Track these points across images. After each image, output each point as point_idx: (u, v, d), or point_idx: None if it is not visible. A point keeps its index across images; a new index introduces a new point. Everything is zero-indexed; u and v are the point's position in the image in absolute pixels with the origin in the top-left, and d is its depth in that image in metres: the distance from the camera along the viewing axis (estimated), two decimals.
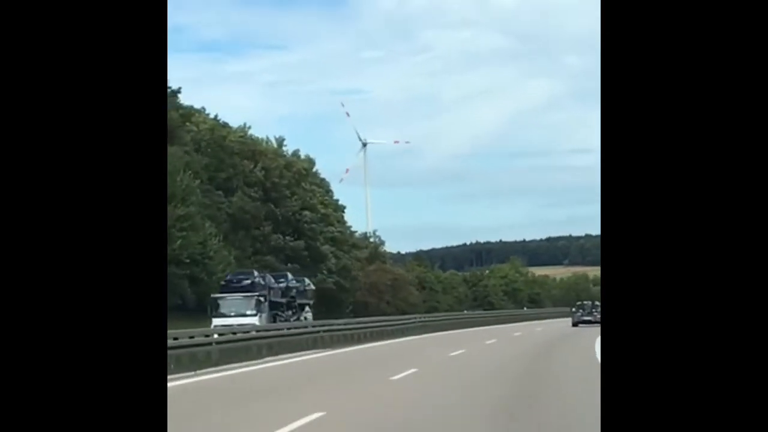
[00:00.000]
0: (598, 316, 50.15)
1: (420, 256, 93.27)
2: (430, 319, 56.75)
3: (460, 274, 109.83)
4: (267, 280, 43.02)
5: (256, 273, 43.61)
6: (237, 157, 64.36)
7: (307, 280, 51.11)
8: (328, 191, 72.50)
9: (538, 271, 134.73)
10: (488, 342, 35.39)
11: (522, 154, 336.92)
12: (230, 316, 36.86)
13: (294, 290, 46.73)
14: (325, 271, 67.58)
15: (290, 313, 44.70)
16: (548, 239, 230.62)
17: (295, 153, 70.53)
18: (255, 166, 64.55)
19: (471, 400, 14.26)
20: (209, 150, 62.88)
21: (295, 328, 35.86)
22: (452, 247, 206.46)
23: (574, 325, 55.92)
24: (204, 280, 52.03)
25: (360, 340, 37.70)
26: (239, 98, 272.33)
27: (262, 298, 39.75)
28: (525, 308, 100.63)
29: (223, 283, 43.43)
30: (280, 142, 69.92)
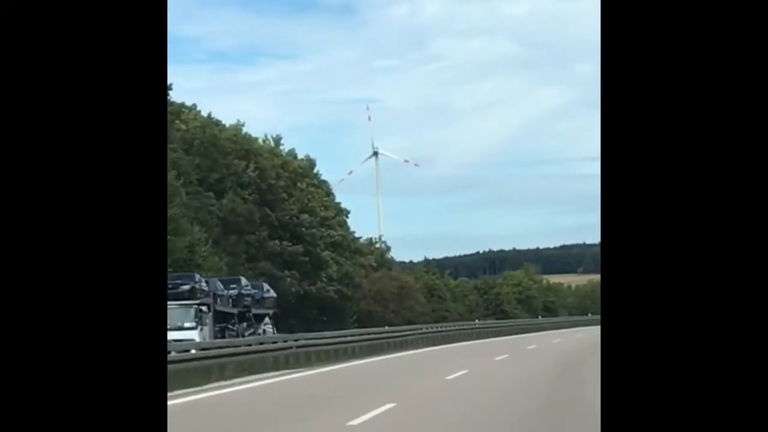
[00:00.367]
0: None
1: (429, 263, 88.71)
2: (434, 330, 51.64)
3: (471, 281, 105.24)
4: (212, 286, 36.07)
5: (197, 277, 35.87)
6: (230, 157, 60.07)
7: (266, 287, 43.98)
8: (329, 194, 67.91)
9: (552, 279, 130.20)
10: (498, 358, 30.61)
11: (534, 162, 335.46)
12: None
13: (248, 298, 39.26)
14: (324, 279, 63.13)
15: (244, 325, 37.93)
16: (562, 247, 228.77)
17: (291, 152, 65.93)
18: (248, 167, 60.28)
19: None
20: (202, 149, 58.59)
21: (257, 343, 28.32)
22: (465, 256, 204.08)
23: None
24: None
25: (344, 356, 32.08)
26: (251, 108, 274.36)
27: (204, 308, 32.77)
28: (540, 317, 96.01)
29: None
30: (277, 141, 65.41)
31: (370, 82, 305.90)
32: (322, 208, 64.15)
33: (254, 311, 39.79)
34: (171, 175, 49.10)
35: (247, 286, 40.42)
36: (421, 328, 49.67)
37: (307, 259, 61.97)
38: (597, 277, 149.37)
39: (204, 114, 61.83)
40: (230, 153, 60.27)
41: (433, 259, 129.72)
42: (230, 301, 37.71)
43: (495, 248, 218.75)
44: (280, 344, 28.46)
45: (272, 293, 44.19)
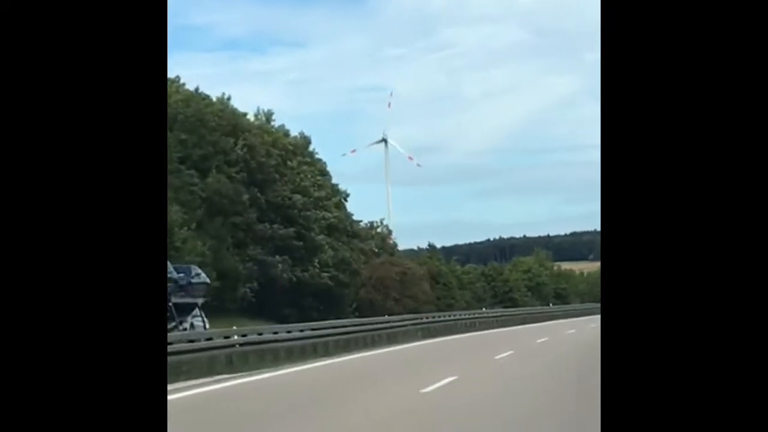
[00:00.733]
0: None
1: (433, 248, 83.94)
2: (430, 320, 46.09)
3: (479, 267, 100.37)
4: None
5: None
6: (217, 134, 55.50)
7: (195, 270, 36.50)
8: (325, 173, 62.95)
9: (563, 266, 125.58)
10: (499, 357, 24.73)
11: (545, 149, 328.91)
12: None
13: (170, 284, 31.19)
14: (317, 264, 58.43)
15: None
16: (573, 234, 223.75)
17: (281, 128, 61.03)
18: (236, 144, 55.70)
19: None
20: (186, 125, 54.03)
21: (186, 341, 21.70)
22: (476, 244, 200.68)
23: None
24: None
25: (309, 354, 26.45)
26: (262, 96, 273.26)
27: None
28: (550, 305, 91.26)
29: None
30: (269, 116, 60.56)
31: (380, 70, 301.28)
32: (316, 188, 59.36)
33: (176, 300, 32.71)
34: None
35: (170, 271, 32.49)
36: (417, 319, 44.38)
37: (300, 243, 57.38)
38: None
39: (189, 87, 57.25)
40: (216, 129, 55.75)
41: (443, 247, 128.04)
42: None
43: (505, 236, 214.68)
44: (208, 344, 22.07)
45: (204, 278, 37.15)
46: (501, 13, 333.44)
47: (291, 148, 59.07)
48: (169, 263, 32.69)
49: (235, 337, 24.28)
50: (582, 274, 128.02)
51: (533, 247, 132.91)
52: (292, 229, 57.03)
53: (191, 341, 21.70)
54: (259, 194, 55.96)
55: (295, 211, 57.42)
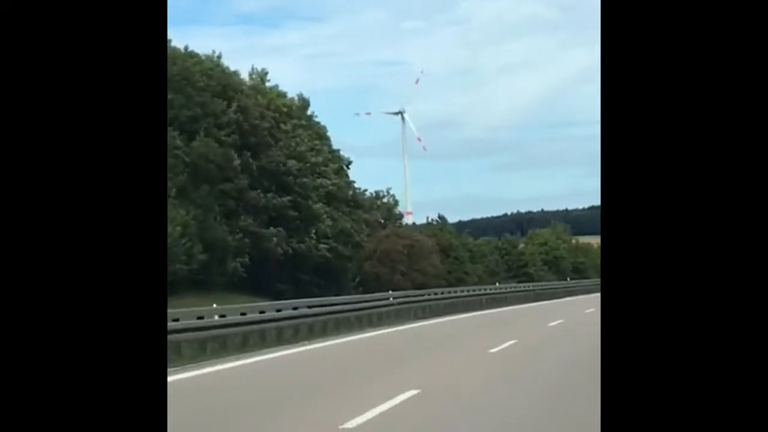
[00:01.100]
0: None
1: (443, 220, 79.34)
2: (430, 297, 40.68)
3: (493, 240, 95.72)
4: None
5: None
6: (206, 94, 51.07)
7: None
8: (323, 137, 58.23)
9: (581, 240, 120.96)
10: (497, 350, 19.68)
11: (563, 123, 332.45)
12: None
13: None
14: (314, 236, 53.99)
15: None
16: (591, 208, 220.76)
17: (275, 88, 56.23)
18: (229, 105, 51.27)
19: None
20: (172, 84, 49.55)
21: None
22: (493, 218, 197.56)
23: None
24: None
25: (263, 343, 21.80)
26: (279, 71, 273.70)
27: None
28: (568, 279, 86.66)
29: None
30: (263, 75, 55.86)
31: (397, 44, 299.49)
32: (314, 153, 54.80)
33: None
34: None
35: None
36: (410, 297, 39.38)
37: (296, 213, 52.98)
38: None
39: (177, 46, 52.78)
40: (205, 89, 51.35)
41: (459, 221, 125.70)
42: None
43: (523, 210, 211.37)
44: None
45: None
46: None
47: (285, 110, 54.46)
48: None
49: (216, 317, 20.91)
50: (600, 247, 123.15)
51: (551, 221, 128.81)
52: (287, 198, 52.60)
53: None
54: (251, 159, 51.60)
55: (291, 177, 52.98)
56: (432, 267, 68.62)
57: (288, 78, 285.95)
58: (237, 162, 50.39)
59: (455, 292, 45.36)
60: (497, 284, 65.33)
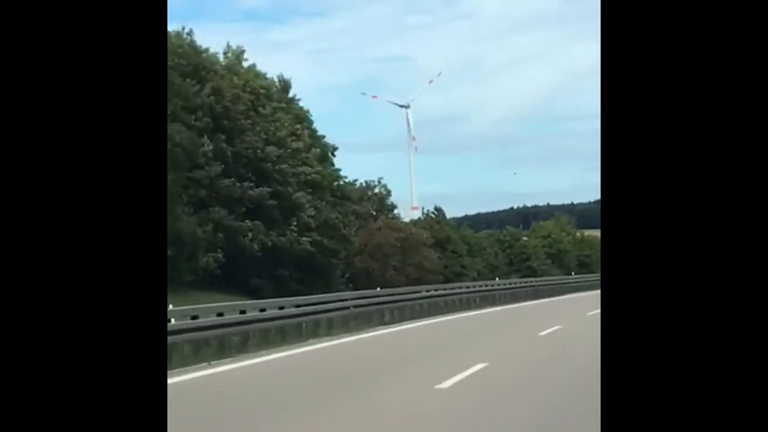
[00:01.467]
0: None
1: (440, 211, 74.65)
2: (404, 298, 34.48)
3: (494, 233, 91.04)
4: None
5: None
6: (175, 73, 46.55)
7: None
8: (305, 120, 53.48)
9: (587, 234, 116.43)
10: (447, 384, 13.68)
11: (569, 118, 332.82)
12: None
13: None
14: (295, 228, 49.46)
15: None
16: (597, 201, 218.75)
17: (252, 68, 51.41)
18: (203, 88, 46.80)
19: None
20: None
21: None
22: (498, 212, 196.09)
23: None
24: None
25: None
26: (284, 67, 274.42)
27: None
28: (573, 273, 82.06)
29: None
30: (239, 54, 51.23)
31: (402, 39, 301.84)
32: (294, 138, 50.21)
33: None
34: None
35: None
36: (391, 294, 34.61)
37: (274, 202, 48.48)
38: None
39: None
40: (174, 68, 46.85)
41: (465, 216, 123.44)
42: None
43: (529, 204, 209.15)
44: None
45: None
46: None
47: (263, 91, 49.91)
48: None
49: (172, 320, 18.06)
50: None
51: (555, 213, 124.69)
52: (266, 189, 48.08)
53: None
54: (224, 145, 47.10)
55: (269, 164, 48.44)
56: (427, 261, 64.18)
57: (292, 73, 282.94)
58: (209, 147, 45.93)
59: (436, 290, 39.92)
60: (497, 279, 60.89)
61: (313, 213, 50.02)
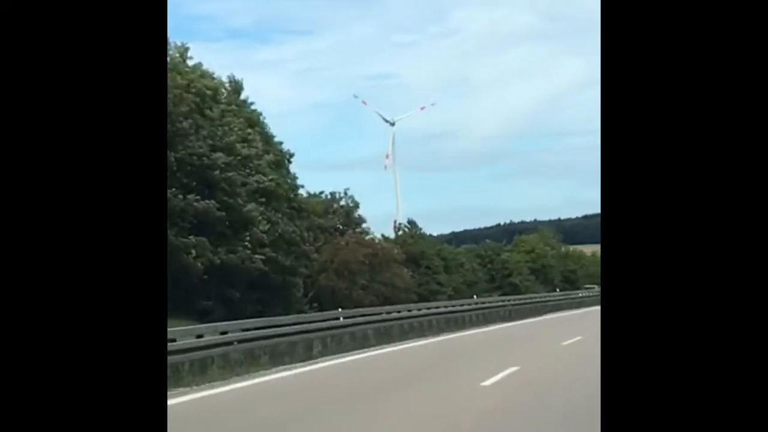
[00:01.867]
0: None
1: (413, 225, 69.40)
2: (342, 324, 27.93)
3: (474, 248, 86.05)
4: None
5: None
6: None
7: None
8: (256, 124, 48.43)
9: (572, 248, 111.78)
10: None
11: (557, 133, 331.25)
12: None
13: None
14: (247, 244, 44.44)
15: None
16: (585, 217, 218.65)
17: (198, 67, 46.22)
18: None
19: None
20: None
21: None
22: (485, 228, 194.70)
23: None
24: None
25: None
26: (270, 86, 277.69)
27: None
28: (557, 290, 77.06)
29: None
30: (182, 52, 46.19)
31: (390, 57, 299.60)
32: (245, 145, 45.18)
33: None
34: None
35: None
36: (331, 318, 28.42)
37: (222, 214, 43.49)
38: None
39: None
40: None
41: (452, 233, 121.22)
42: None
43: (516, 220, 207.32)
44: None
45: None
46: None
47: (210, 92, 44.91)
48: None
49: None
50: (593, 255, 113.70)
51: (540, 228, 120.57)
52: (213, 202, 43.09)
53: None
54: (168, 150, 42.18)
55: (216, 172, 43.49)
56: (399, 279, 59.25)
57: (279, 93, 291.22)
58: None
59: (388, 314, 33.59)
60: (475, 297, 55.95)
61: (266, 227, 45.03)
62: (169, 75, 43.59)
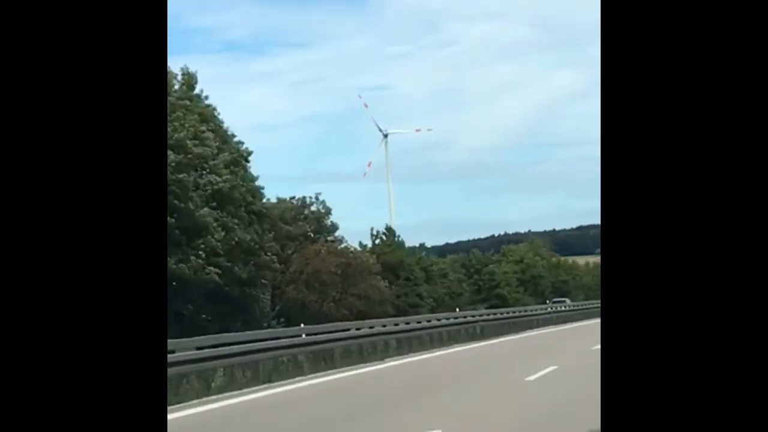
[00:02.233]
0: None
1: (391, 232, 64.83)
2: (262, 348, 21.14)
3: (460, 257, 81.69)
4: None
5: None
6: None
7: None
8: (211, 119, 43.81)
9: (564, 259, 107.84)
10: None
11: (551, 144, 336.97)
12: None
13: None
14: (201, 253, 40.05)
15: None
16: (579, 228, 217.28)
17: None
18: None
19: None
20: None
21: None
22: (479, 240, 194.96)
23: None
24: None
25: None
26: (265, 98, 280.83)
27: None
28: (548, 302, 72.53)
29: None
30: None
31: (384, 68, 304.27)
32: (196, 143, 40.78)
33: None
34: None
35: None
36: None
37: (173, 221, 39.14)
38: None
39: None
40: None
41: (446, 244, 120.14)
42: None
43: (510, 231, 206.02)
44: None
45: None
46: (505, 9, 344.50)
47: None
48: None
49: None
50: (587, 265, 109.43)
51: (533, 239, 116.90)
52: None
53: None
54: None
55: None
56: (374, 290, 54.98)
57: (275, 104, 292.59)
58: None
59: (332, 332, 26.10)
60: (457, 310, 51.58)
61: (221, 235, 40.68)
62: None
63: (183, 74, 43.93)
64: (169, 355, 16.96)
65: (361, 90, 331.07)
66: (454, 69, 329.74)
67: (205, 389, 17.95)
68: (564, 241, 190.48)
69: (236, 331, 28.54)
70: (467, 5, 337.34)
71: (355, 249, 59.31)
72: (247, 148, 44.69)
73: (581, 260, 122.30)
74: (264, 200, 53.83)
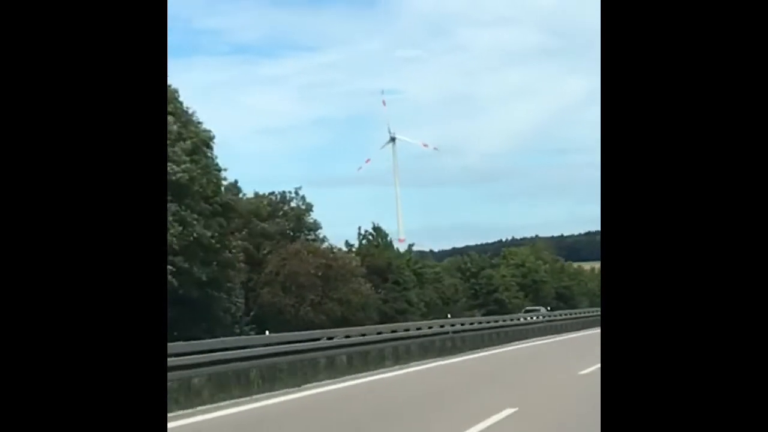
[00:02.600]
0: None
1: (379, 232, 60.24)
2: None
3: (456, 260, 77.18)
4: None
5: None
6: None
7: None
8: (171, 102, 39.26)
9: (567, 263, 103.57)
10: None
11: (561, 150, 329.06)
12: None
13: None
14: None
15: None
16: (587, 233, 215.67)
17: None
18: None
19: None
20: None
21: None
22: (487, 245, 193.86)
23: None
24: None
25: None
26: (275, 101, 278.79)
27: None
28: (548, 308, 67.77)
29: None
30: None
31: (394, 72, 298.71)
32: None
33: None
34: None
35: None
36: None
37: None
38: None
39: None
40: None
41: (453, 248, 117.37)
42: None
43: (518, 236, 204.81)
44: None
45: None
46: (516, 15, 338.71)
47: None
48: None
49: None
50: (593, 270, 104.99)
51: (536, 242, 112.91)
52: None
53: None
54: None
55: None
56: (357, 295, 50.59)
57: (283, 107, 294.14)
58: None
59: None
60: (449, 316, 46.99)
61: (178, 230, 36.28)
62: None
63: None
64: None
65: (370, 94, 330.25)
66: (464, 74, 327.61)
67: None
68: (572, 247, 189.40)
69: (188, 340, 24.39)
70: (479, 10, 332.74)
71: (339, 249, 54.83)
72: (210, 132, 40.15)
73: (587, 266, 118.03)
74: (240, 195, 49.66)
